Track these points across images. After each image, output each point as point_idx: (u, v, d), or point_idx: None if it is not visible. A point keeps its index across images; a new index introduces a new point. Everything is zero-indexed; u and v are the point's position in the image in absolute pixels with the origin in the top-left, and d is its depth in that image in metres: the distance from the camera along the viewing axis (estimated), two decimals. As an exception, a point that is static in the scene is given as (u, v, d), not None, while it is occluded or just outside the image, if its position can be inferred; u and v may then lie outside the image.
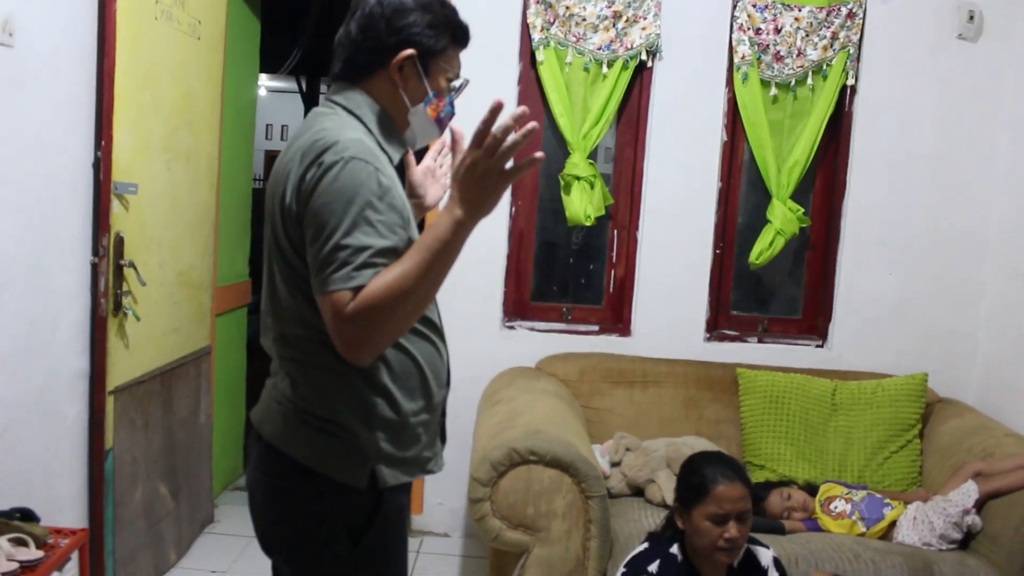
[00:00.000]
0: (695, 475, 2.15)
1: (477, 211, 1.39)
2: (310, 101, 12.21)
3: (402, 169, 1.79)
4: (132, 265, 2.68)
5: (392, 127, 1.61)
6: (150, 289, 2.82)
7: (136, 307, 2.72)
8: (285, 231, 1.48)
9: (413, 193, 1.85)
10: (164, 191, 2.93)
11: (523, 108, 1.33)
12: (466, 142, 1.42)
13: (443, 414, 1.70)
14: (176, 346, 3.11)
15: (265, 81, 10.08)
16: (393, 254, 1.42)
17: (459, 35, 1.62)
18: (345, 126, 1.50)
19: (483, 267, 3.47)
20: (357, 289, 1.37)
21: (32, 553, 2.11)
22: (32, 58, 2.28)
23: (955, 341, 3.58)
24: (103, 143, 2.56)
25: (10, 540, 2.11)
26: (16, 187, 2.26)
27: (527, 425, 2.63)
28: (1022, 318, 3.36)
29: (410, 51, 1.55)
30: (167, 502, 3.09)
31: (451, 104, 1.65)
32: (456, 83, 1.65)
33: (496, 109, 1.33)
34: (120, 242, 2.65)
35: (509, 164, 1.39)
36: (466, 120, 1.58)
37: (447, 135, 1.71)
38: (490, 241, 3.45)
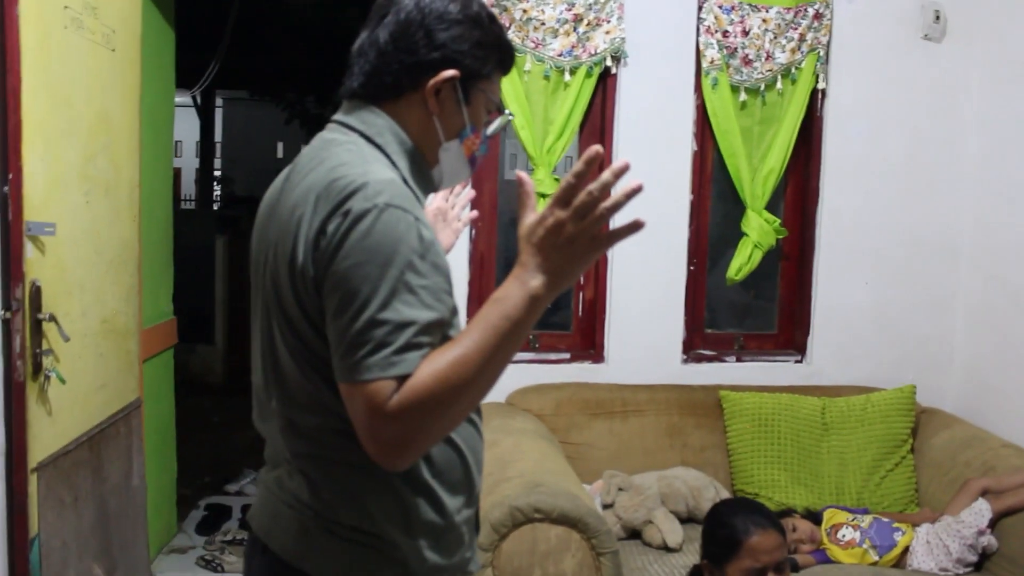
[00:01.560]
0: (724, 527, 1.94)
1: (558, 283, 1.10)
2: (206, 115, 11.70)
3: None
4: (53, 318, 2.28)
5: (421, 163, 1.30)
6: (73, 343, 2.42)
7: (59, 367, 2.33)
8: (296, 297, 1.16)
9: None
10: (84, 228, 2.53)
11: (624, 161, 1.06)
12: (535, 197, 1.13)
13: (478, 503, 1.42)
14: (104, 404, 2.71)
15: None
16: (440, 328, 1.13)
17: (507, 60, 1.34)
18: (368, 159, 1.19)
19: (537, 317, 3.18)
20: (401, 378, 1.07)
21: None
22: (-77, 79, 1.89)
23: (933, 348, 3.47)
24: (10, 176, 2.16)
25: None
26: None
27: (522, 476, 2.36)
28: (998, 321, 3.27)
29: (453, 72, 1.25)
30: (101, 585, 2.68)
31: (486, 141, 1.36)
32: (499, 118, 1.36)
33: (592, 160, 1.04)
34: (37, 292, 2.25)
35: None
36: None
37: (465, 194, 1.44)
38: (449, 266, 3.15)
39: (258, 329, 1.26)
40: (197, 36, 6.20)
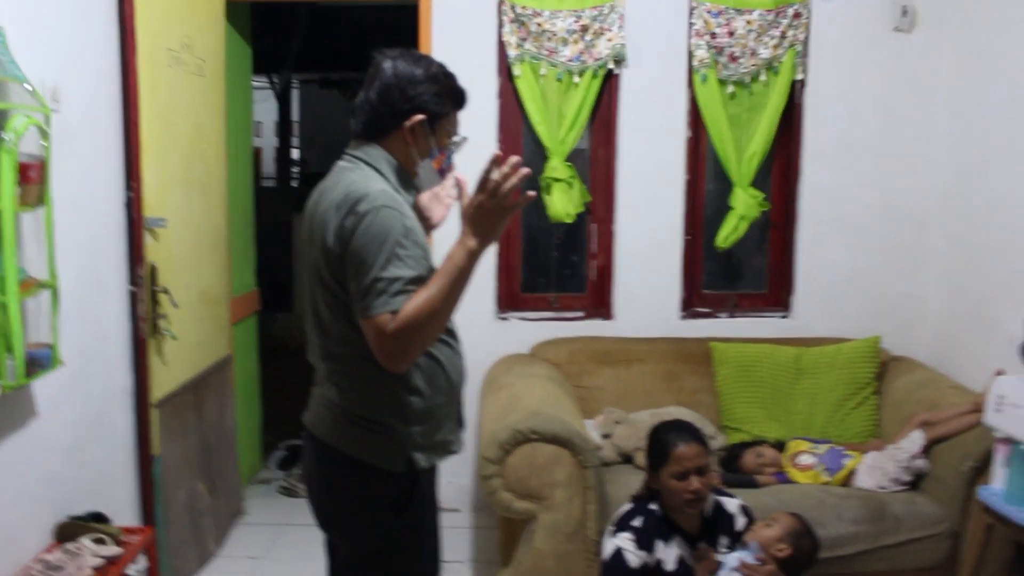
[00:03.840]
0: (658, 442, 2.52)
1: (485, 240, 1.74)
2: (283, 98, 12.38)
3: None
4: (166, 290, 2.99)
5: (406, 175, 1.93)
6: (180, 310, 3.13)
7: (171, 327, 3.04)
8: (328, 268, 1.80)
9: (420, 216, 2.17)
10: (185, 219, 3.24)
11: (516, 158, 1.67)
12: (470, 187, 1.75)
13: (461, 403, 2.04)
14: (203, 358, 3.43)
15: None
16: (420, 280, 1.76)
17: (459, 100, 1.95)
18: (370, 178, 1.83)
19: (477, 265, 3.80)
20: (395, 312, 1.70)
21: (111, 550, 2.45)
22: (74, 119, 2.58)
23: (907, 304, 3.95)
24: (133, 184, 2.87)
25: (92, 540, 2.44)
26: (67, 231, 2.55)
27: (527, 408, 2.98)
28: (964, 280, 3.72)
29: (421, 116, 1.87)
30: (205, 499, 3.42)
31: (451, 157, 1.97)
32: (456, 139, 1.97)
33: (495, 160, 1.67)
34: (153, 271, 2.96)
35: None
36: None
37: (450, 180, 2.05)
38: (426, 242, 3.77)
39: (306, 292, 1.92)
40: (274, 25, 6.90)
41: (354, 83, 9.76)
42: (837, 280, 3.92)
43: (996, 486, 2.70)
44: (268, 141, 18.88)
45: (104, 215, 2.81)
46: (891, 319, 3.93)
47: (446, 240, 1.83)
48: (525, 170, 1.69)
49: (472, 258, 1.74)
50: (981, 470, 2.93)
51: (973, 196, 3.67)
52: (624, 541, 2.44)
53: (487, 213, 1.71)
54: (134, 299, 2.91)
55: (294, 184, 12.93)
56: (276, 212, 7.18)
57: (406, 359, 1.75)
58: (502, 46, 3.70)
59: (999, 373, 2.93)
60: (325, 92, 12.14)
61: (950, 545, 2.97)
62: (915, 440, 3.12)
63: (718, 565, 2.52)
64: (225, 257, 3.69)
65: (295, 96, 14.66)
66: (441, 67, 1.93)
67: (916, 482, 3.14)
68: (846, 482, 3.19)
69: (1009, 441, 2.63)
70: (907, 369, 3.67)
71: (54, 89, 2.45)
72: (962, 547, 2.97)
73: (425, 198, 2.21)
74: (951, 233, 3.81)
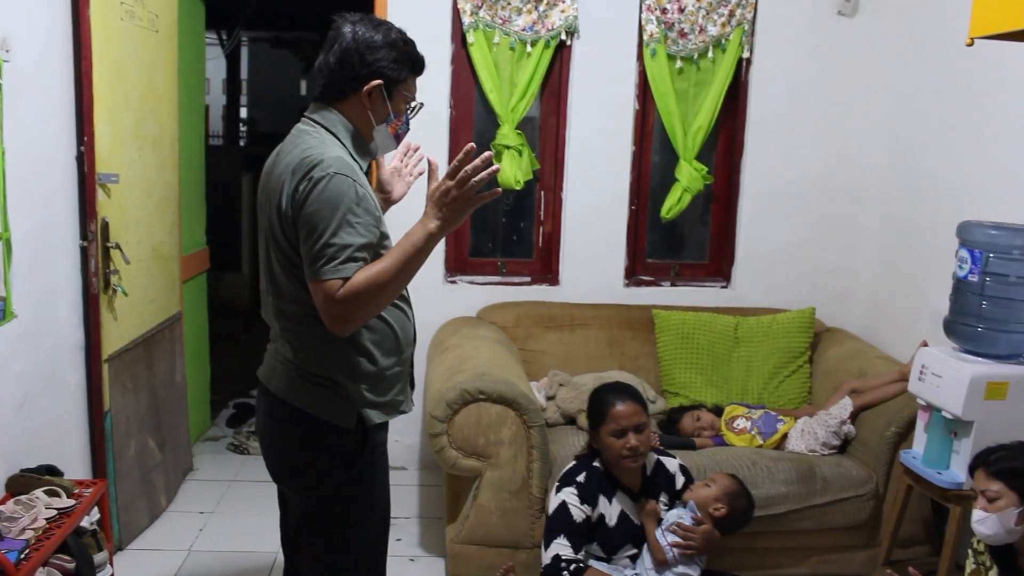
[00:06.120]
0: (596, 403, 2.66)
1: (446, 226, 1.79)
2: (232, 55, 12.16)
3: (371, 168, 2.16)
4: (117, 246, 3.00)
5: (362, 141, 1.97)
6: (132, 266, 3.14)
7: (122, 283, 3.05)
8: (282, 230, 1.85)
9: (382, 189, 2.23)
10: (138, 176, 3.23)
11: (489, 153, 1.73)
12: (440, 171, 1.81)
13: (411, 365, 2.12)
14: (154, 314, 3.44)
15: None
16: (369, 248, 1.81)
17: (417, 67, 1.99)
18: (326, 144, 1.87)
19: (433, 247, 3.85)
20: (345, 279, 1.76)
21: (65, 502, 2.48)
22: (25, 68, 2.56)
23: (840, 277, 4.12)
24: (85, 138, 2.86)
25: (45, 492, 2.48)
26: (18, 184, 2.54)
27: (474, 368, 3.07)
28: (894, 256, 3.90)
29: (378, 81, 1.91)
30: (155, 454, 3.45)
31: (407, 123, 2.03)
32: (412, 104, 2.02)
33: (469, 151, 1.72)
34: (105, 226, 2.97)
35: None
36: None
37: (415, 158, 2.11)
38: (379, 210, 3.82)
39: (262, 252, 1.96)
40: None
41: (306, 43, 9.64)
42: (775, 253, 4.07)
43: (916, 450, 2.87)
44: (216, 99, 18.50)
45: (56, 169, 2.80)
46: (825, 291, 4.09)
47: (409, 220, 1.87)
48: (496, 166, 1.75)
49: (430, 240, 1.78)
50: (904, 435, 3.11)
51: (905, 176, 3.83)
52: (568, 496, 2.56)
53: (452, 200, 1.75)
54: (85, 254, 2.91)
55: (242, 143, 12.72)
56: (224, 171, 7.09)
57: (351, 324, 1.80)
58: (456, 13, 3.74)
59: (923, 345, 3.10)
60: (275, 51, 11.94)
61: (874, 505, 3.15)
62: (844, 407, 3.28)
63: (660, 519, 2.66)
64: (176, 214, 3.69)
65: (244, 54, 14.40)
66: (401, 33, 1.97)
67: (844, 446, 3.31)
68: (779, 445, 3.35)
69: (929, 408, 2.80)
70: (839, 340, 3.84)
71: (3, 38, 2.43)
72: (884, 507, 3.16)
73: (387, 173, 2.26)
74: (884, 211, 3.98)
